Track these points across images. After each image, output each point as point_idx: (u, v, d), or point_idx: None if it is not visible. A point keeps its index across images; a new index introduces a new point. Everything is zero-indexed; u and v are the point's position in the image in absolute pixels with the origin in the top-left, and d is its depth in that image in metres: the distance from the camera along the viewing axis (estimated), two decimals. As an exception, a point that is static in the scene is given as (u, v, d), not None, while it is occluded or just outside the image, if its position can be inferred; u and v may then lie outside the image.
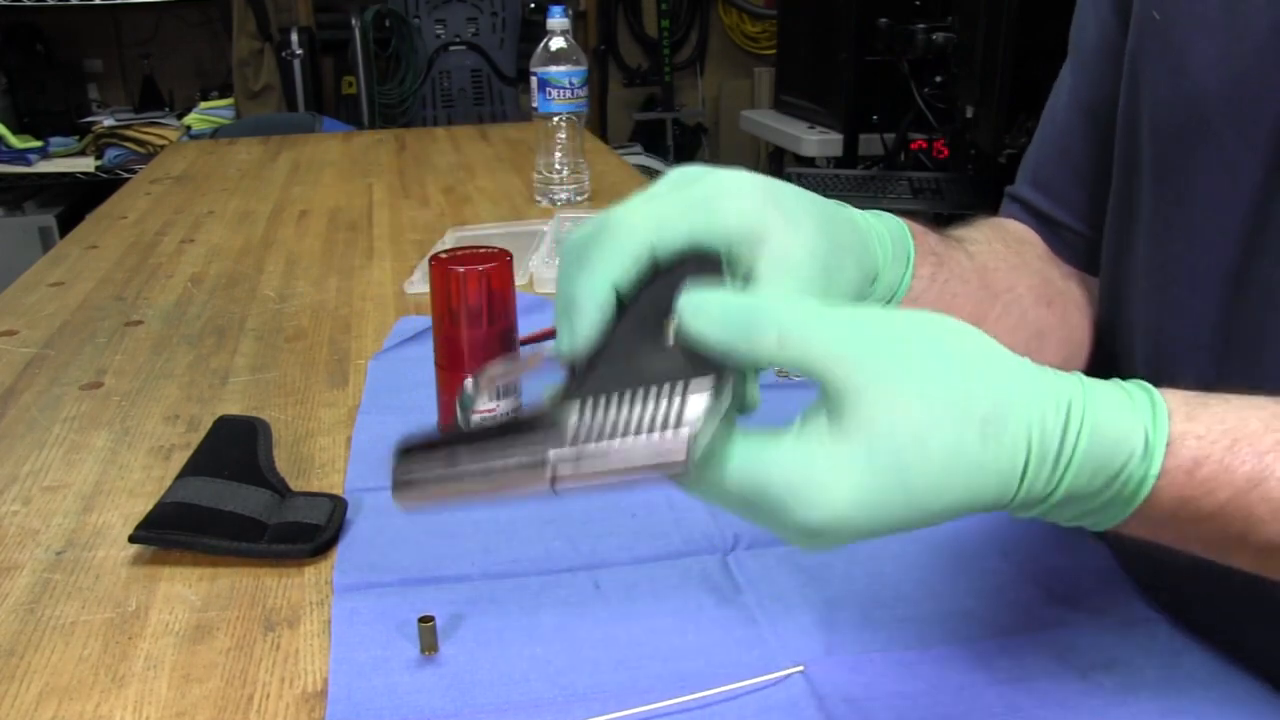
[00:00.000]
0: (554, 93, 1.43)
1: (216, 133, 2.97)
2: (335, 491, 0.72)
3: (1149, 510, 0.39)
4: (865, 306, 0.39)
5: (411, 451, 0.39)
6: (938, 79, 2.35)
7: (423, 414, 0.83)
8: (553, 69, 1.42)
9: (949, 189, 2.30)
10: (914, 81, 2.37)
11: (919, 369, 0.36)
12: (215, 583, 0.63)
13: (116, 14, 3.54)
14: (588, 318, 0.41)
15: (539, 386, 0.40)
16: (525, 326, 0.86)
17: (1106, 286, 0.64)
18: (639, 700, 0.52)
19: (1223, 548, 0.41)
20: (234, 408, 0.86)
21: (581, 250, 0.42)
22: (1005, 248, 0.64)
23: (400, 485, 0.39)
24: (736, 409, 0.39)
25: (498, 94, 3.78)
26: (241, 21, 3.34)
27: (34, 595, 0.62)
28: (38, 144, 3.25)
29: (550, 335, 0.55)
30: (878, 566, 0.62)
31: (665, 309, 0.39)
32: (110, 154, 3.23)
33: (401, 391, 0.88)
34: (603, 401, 0.37)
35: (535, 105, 1.45)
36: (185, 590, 0.62)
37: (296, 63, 3.36)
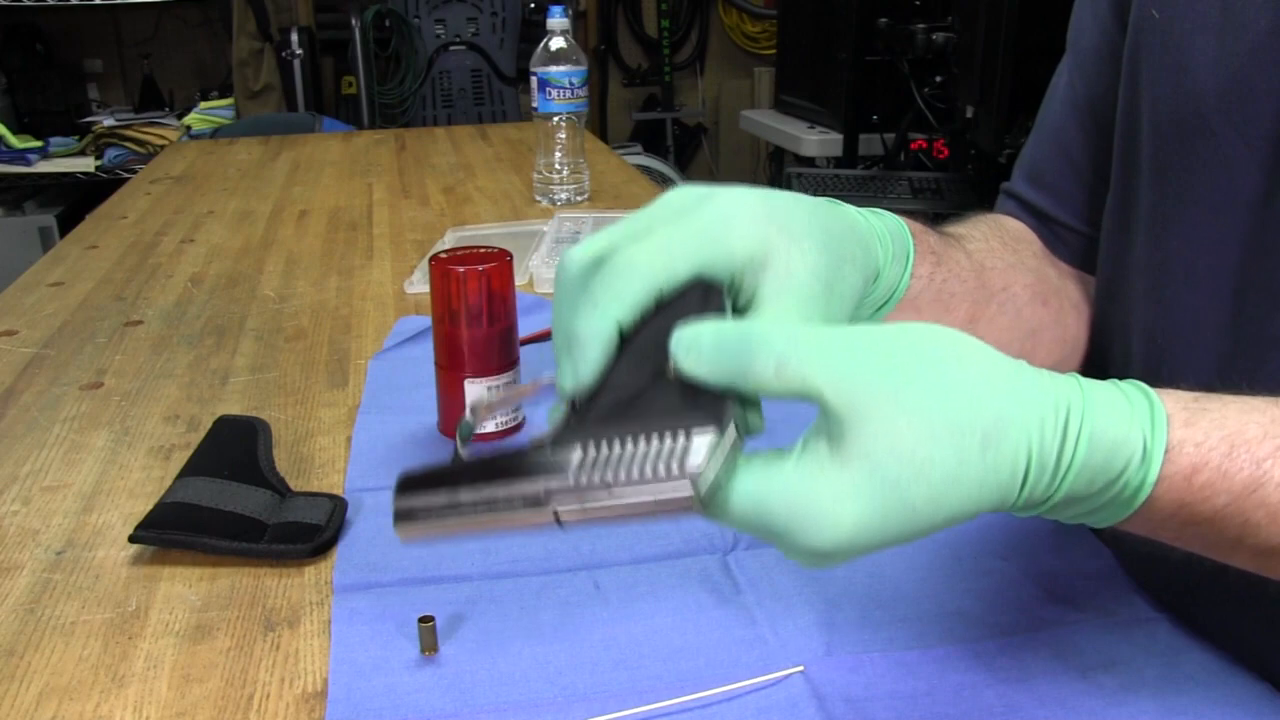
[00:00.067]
0: (554, 93, 1.43)
1: (216, 133, 2.98)
2: (335, 491, 0.72)
3: (1148, 512, 0.39)
4: (861, 326, 0.39)
5: (413, 484, 0.39)
6: (938, 79, 2.35)
7: (423, 414, 0.83)
8: (553, 69, 1.42)
9: (949, 189, 2.31)
10: (914, 81, 2.37)
11: (916, 388, 0.36)
12: (215, 583, 0.63)
13: (116, 14, 3.55)
14: (591, 356, 0.40)
15: (539, 411, 0.39)
16: (525, 326, 0.86)
17: (1104, 285, 0.64)
18: (639, 700, 0.52)
19: (1220, 548, 0.41)
20: (234, 408, 0.86)
21: (582, 285, 0.42)
22: (1002, 245, 0.64)
23: (402, 518, 0.39)
24: (741, 437, 0.39)
25: (498, 94, 3.78)
26: (241, 21, 3.34)
27: (34, 595, 0.62)
28: (38, 144, 3.26)
29: (549, 336, 0.55)
30: (878, 567, 0.62)
31: (667, 341, 0.39)
32: (110, 154, 3.23)
33: (401, 391, 0.88)
34: (604, 442, 0.37)
35: (535, 105, 1.45)
36: (185, 590, 0.62)
37: (296, 63, 3.36)
